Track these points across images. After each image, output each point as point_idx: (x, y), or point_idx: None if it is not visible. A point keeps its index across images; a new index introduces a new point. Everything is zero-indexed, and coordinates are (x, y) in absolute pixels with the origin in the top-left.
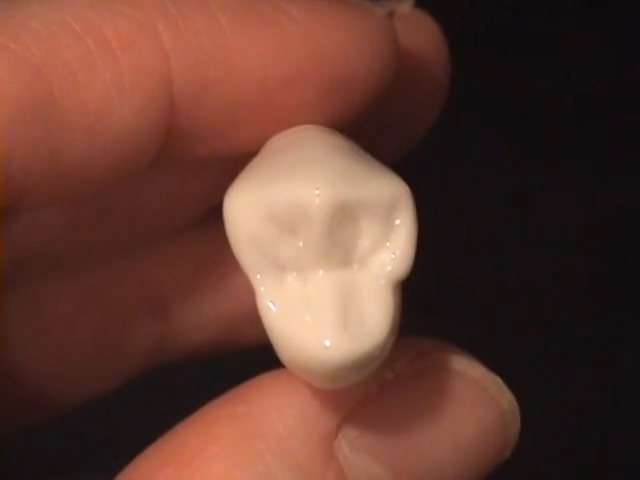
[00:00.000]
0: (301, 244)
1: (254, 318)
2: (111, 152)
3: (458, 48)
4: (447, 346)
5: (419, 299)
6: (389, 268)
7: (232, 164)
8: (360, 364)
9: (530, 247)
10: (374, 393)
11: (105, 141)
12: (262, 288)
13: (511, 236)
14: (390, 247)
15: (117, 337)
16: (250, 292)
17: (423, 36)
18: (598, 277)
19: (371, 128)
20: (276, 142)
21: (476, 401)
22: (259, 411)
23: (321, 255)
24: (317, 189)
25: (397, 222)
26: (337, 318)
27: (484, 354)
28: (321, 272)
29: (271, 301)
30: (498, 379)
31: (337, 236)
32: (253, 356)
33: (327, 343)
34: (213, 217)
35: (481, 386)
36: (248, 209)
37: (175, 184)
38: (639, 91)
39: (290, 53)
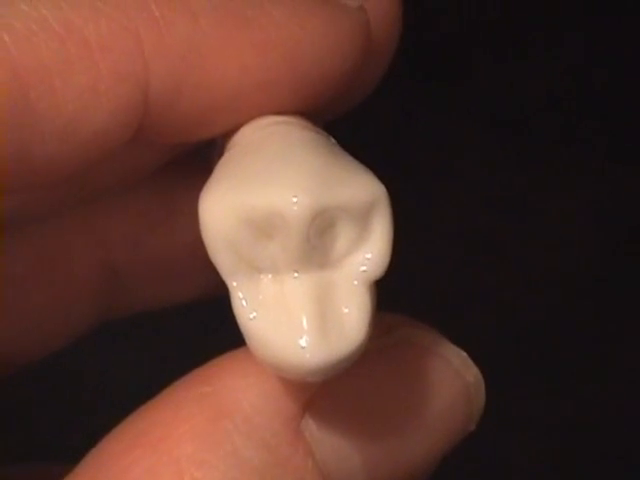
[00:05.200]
0: (278, 248)
1: (204, 272)
2: (81, 151)
3: (457, 48)
4: (411, 321)
5: (417, 298)
6: (364, 268)
7: None
8: (338, 366)
9: (529, 247)
10: None
11: (75, 142)
12: (238, 292)
13: (510, 237)
14: (366, 248)
15: (68, 296)
16: (199, 247)
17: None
18: (597, 278)
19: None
20: (247, 136)
21: (441, 375)
22: (225, 391)
23: (299, 259)
24: (295, 197)
25: (374, 223)
26: (314, 321)
27: (483, 353)
28: (296, 274)
29: (247, 303)
30: (463, 353)
31: (315, 240)
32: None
33: (304, 346)
34: (163, 174)
35: (446, 360)
36: (224, 214)
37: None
38: (639, 91)
39: (269, 57)
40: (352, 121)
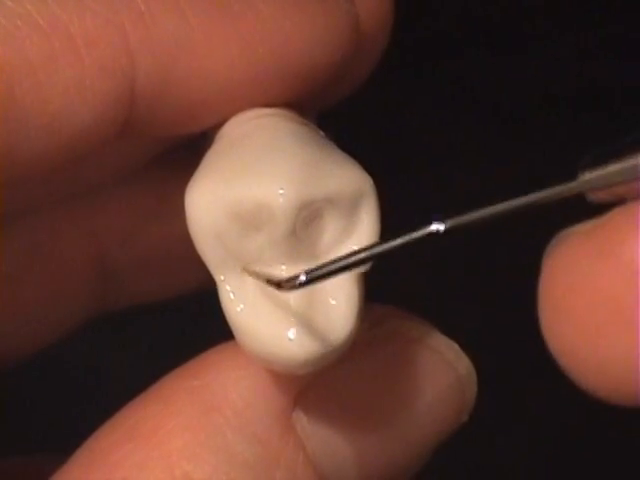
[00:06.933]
0: (265, 241)
1: (196, 265)
2: (67, 145)
3: (456, 46)
4: (401, 313)
5: (418, 293)
6: None
7: None
8: (327, 358)
9: (528, 245)
10: None
11: (62, 137)
12: (226, 285)
13: (509, 234)
14: (353, 239)
15: (62, 289)
16: (188, 239)
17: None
18: None
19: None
20: (234, 129)
21: (433, 367)
22: (216, 384)
23: (286, 251)
24: (281, 189)
25: (360, 214)
26: (302, 313)
27: (483, 351)
28: (284, 267)
29: (234, 296)
30: (454, 344)
31: (302, 232)
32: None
33: (292, 338)
34: (155, 168)
35: (437, 352)
36: (211, 207)
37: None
38: (638, 89)
39: (257, 51)
40: (349, 114)
